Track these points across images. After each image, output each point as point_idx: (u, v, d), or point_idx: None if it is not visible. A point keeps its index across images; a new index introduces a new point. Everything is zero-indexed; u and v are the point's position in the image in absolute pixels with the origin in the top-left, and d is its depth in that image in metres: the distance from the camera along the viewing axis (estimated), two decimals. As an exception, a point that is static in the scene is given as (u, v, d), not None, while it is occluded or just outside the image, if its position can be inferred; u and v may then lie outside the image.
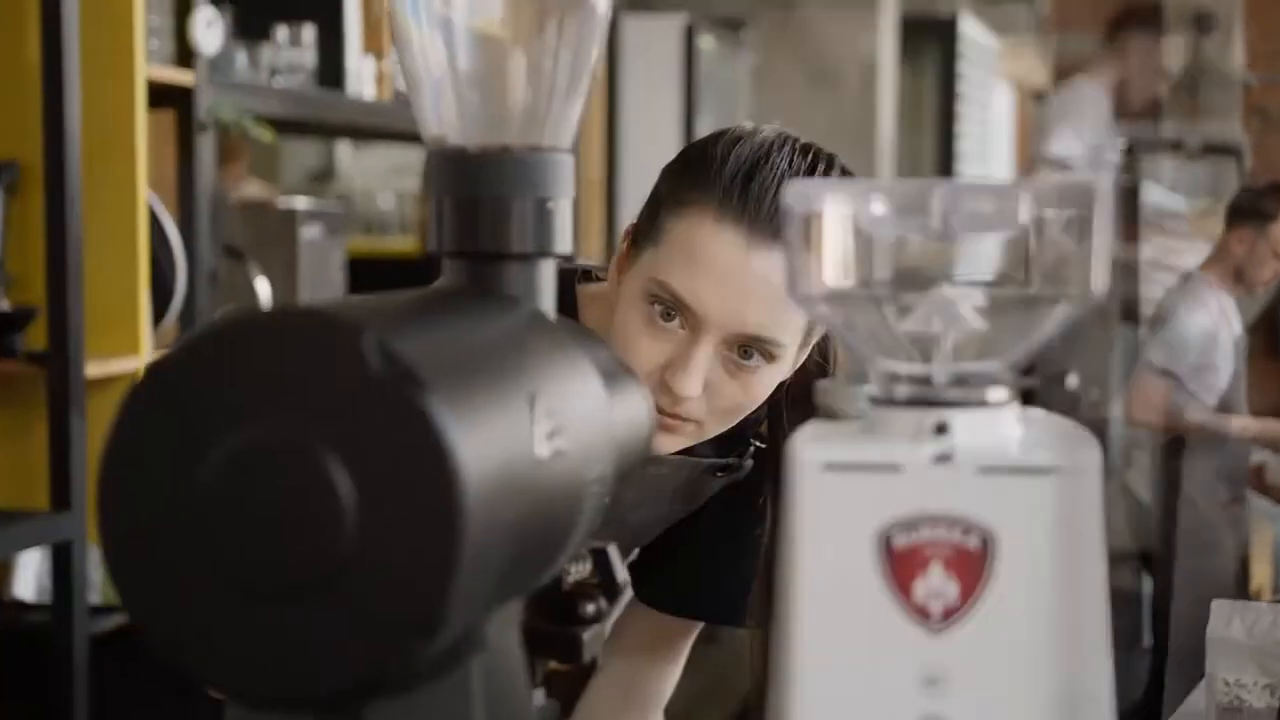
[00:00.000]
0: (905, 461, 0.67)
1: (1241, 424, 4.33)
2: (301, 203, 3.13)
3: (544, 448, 0.68)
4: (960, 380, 0.71)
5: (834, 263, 0.71)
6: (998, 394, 0.70)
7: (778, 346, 1.25)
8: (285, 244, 3.02)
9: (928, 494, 0.67)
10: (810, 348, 1.34)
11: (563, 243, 0.82)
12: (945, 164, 7.48)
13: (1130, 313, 4.83)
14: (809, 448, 0.68)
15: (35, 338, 2.36)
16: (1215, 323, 4.24)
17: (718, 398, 1.27)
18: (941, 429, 0.68)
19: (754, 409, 1.30)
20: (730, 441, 1.41)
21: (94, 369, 2.39)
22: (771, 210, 1.21)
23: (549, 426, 0.69)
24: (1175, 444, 4.29)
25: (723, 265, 1.22)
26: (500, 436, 0.64)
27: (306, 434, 0.60)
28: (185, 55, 2.61)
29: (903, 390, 0.70)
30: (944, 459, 0.67)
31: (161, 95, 2.58)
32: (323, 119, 3.15)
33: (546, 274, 0.82)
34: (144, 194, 2.47)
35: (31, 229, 2.38)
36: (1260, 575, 4.67)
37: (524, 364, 0.70)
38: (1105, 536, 0.68)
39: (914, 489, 0.67)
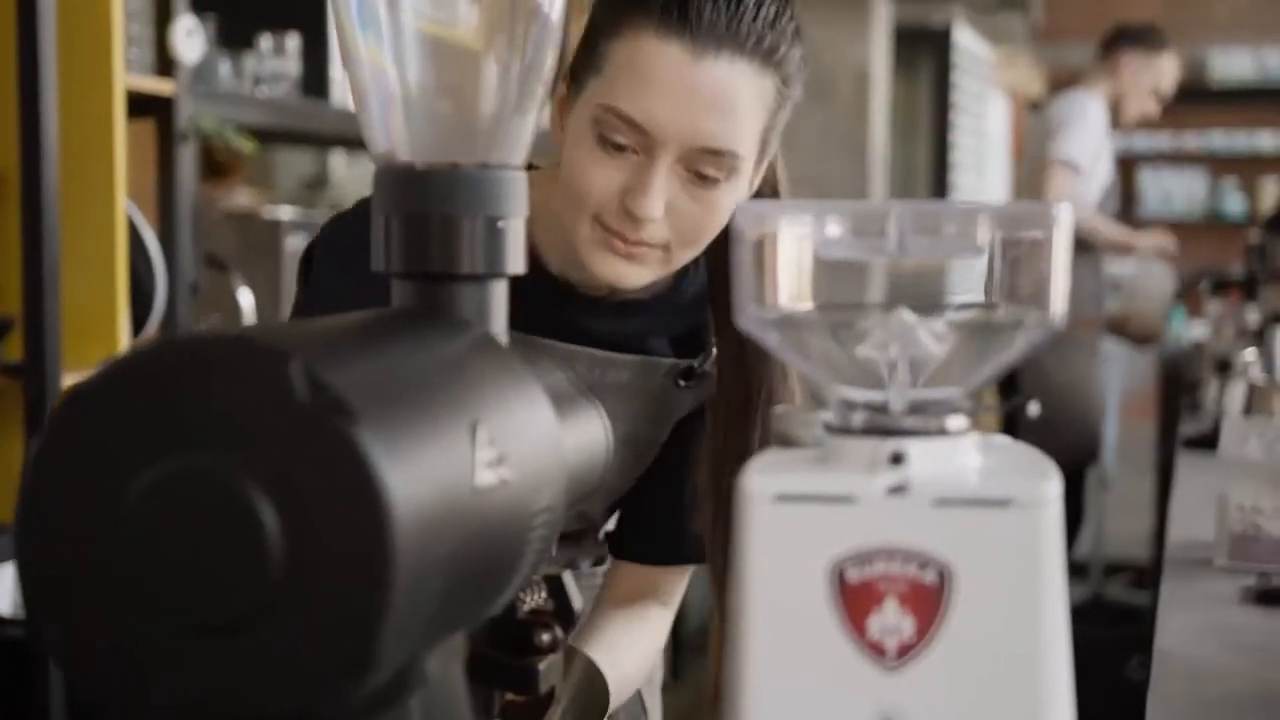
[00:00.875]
0: (859, 493, 0.65)
1: (1114, 230, 4.57)
2: (287, 212, 3.11)
3: (486, 477, 0.66)
4: (918, 407, 0.68)
5: (787, 285, 0.69)
6: (956, 422, 0.68)
7: (734, 159, 1.23)
8: (270, 254, 3.00)
9: (882, 526, 0.65)
10: (766, 166, 1.32)
11: (515, 262, 0.80)
12: (940, 173, 7.46)
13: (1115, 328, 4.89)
14: (759, 478, 0.66)
15: (11, 349, 2.33)
16: (1103, 131, 4.41)
17: (680, 219, 1.25)
18: (897, 459, 0.66)
19: (720, 227, 1.28)
20: (689, 345, 1.41)
21: (71, 381, 2.36)
22: (713, 18, 1.20)
23: (492, 455, 0.67)
24: None
25: (669, 79, 1.20)
26: (436, 467, 0.62)
27: (231, 464, 0.58)
28: (166, 65, 2.59)
29: (858, 418, 0.68)
30: (899, 490, 0.65)
31: (142, 105, 2.56)
32: (306, 128, 3.12)
33: (498, 294, 0.80)
34: (123, 204, 2.44)
35: (8, 239, 2.35)
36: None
37: (467, 390, 0.68)
38: (1065, 569, 0.66)
39: (868, 521, 0.65)
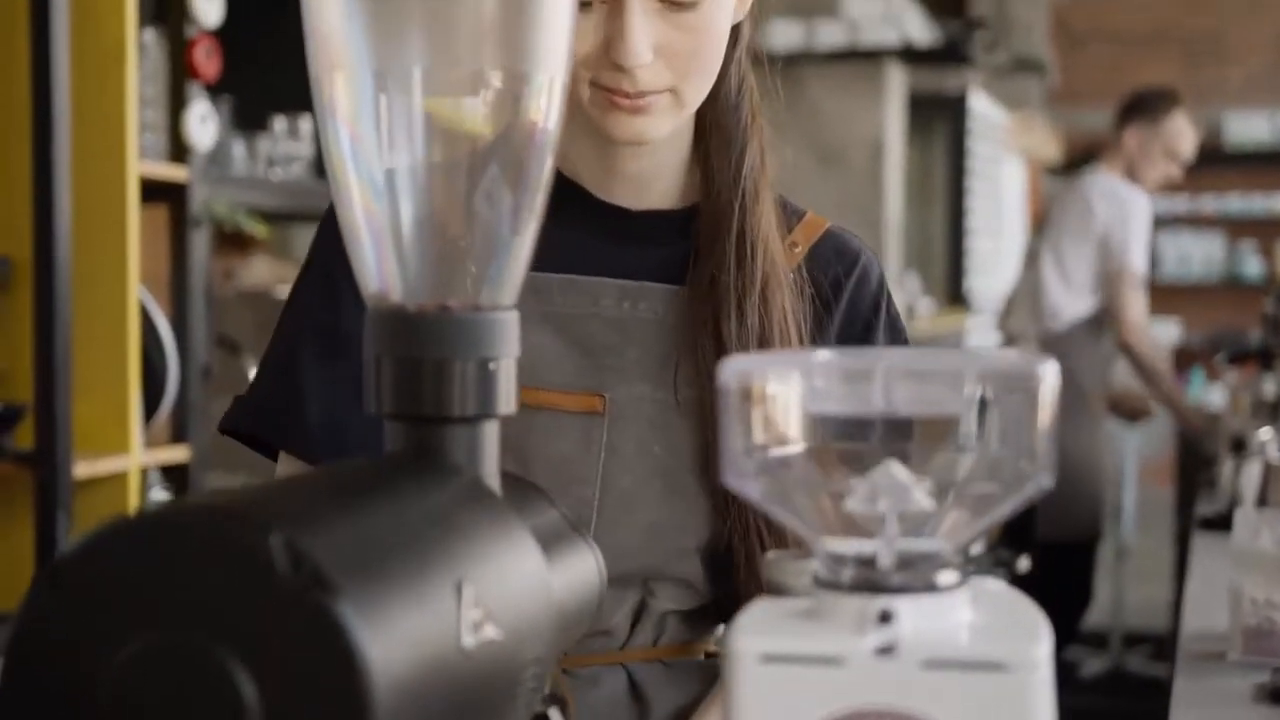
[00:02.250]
0: (847, 654, 0.64)
1: (1169, 383, 4.60)
2: (300, 292, 3.11)
3: (472, 637, 0.65)
4: (907, 562, 0.68)
5: (773, 438, 0.69)
6: (946, 577, 0.67)
7: None
8: (283, 334, 2.99)
9: (870, 689, 0.64)
10: None
11: (506, 403, 0.80)
12: (955, 239, 7.46)
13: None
14: (747, 638, 0.65)
15: (23, 436, 2.34)
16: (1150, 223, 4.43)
17: (674, 55, 1.16)
18: (885, 617, 0.65)
19: (720, 50, 1.19)
20: None
21: (83, 469, 2.36)
22: None
23: (478, 614, 0.66)
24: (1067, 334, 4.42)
25: None
26: (420, 633, 0.61)
27: (211, 639, 0.58)
28: (180, 150, 2.60)
29: (847, 573, 0.68)
30: (887, 651, 0.64)
31: (156, 190, 2.58)
32: (320, 209, 3.14)
33: (490, 436, 0.79)
34: (135, 290, 2.45)
35: (21, 325, 2.36)
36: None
37: (452, 547, 0.68)
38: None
39: (856, 683, 0.64)
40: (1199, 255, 9.95)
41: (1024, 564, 3.93)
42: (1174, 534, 5.52)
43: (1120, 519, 5.86)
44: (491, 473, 0.79)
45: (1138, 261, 4.32)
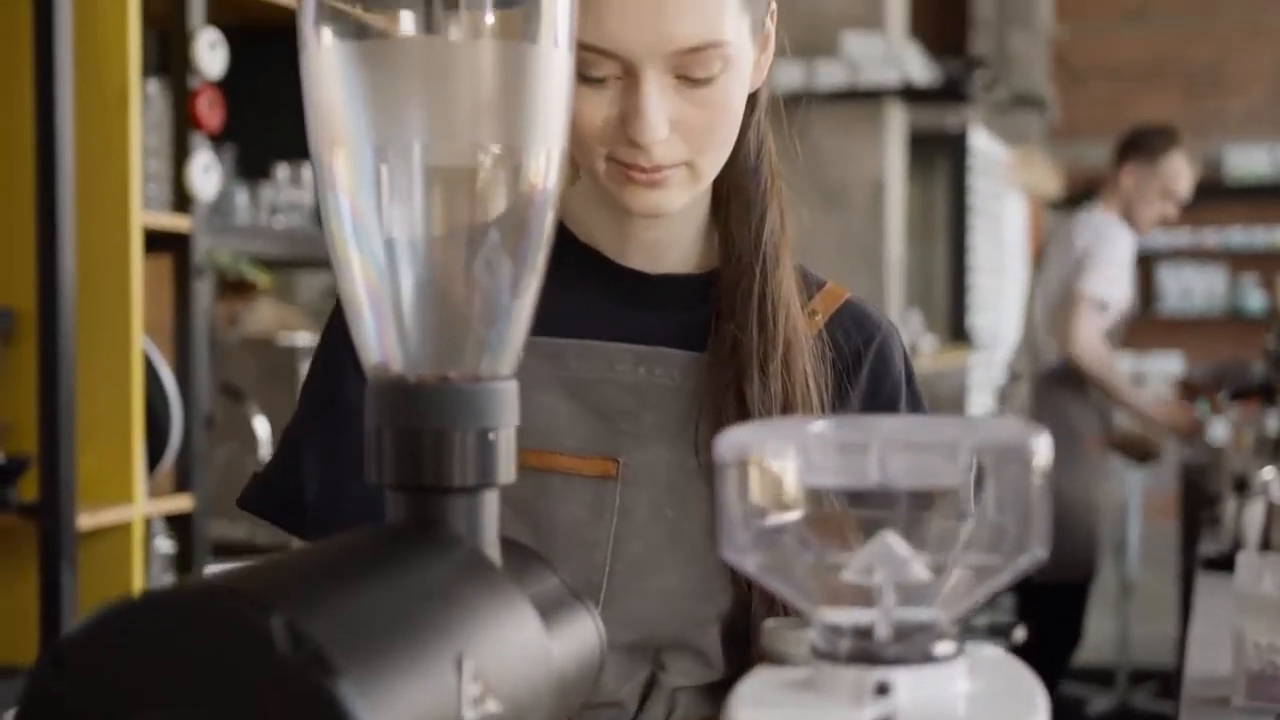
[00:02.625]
0: (844, 727, 0.65)
1: (1133, 395, 4.53)
2: (304, 339, 3.13)
3: (473, 712, 0.66)
4: (904, 632, 0.68)
5: (770, 510, 0.69)
6: (944, 648, 0.68)
7: (720, 48, 1.13)
8: (287, 380, 3.01)
9: (869, 761, 0.65)
10: (771, 32, 1.23)
11: (506, 473, 0.80)
12: (957, 275, 7.48)
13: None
14: (746, 709, 0.66)
15: (27, 488, 2.35)
16: (1129, 259, 4.40)
17: (690, 129, 1.15)
18: (883, 689, 0.66)
19: (737, 124, 1.18)
20: None
21: (86, 520, 2.37)
22: None
23: (479, 689, 0.67)
24: (1061, 374, 4.41)
25: None
26: (422, 712, 0.62)
27: (214, 718, 0.58)
28: (183, 200, 2.62)
29: (844, 645, 0.68)
30: (885, 724, 0.65)
31: (159, 240, 2.59)
32: (322, 257, 3.16)
33: (490, 505, 0.80)
34: (139, 341, 2.46)
35: (25, 377, 2.37)
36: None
37: (452, 622, 0.68)
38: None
39: (854, 756, 0.65)
40: (1201, 288, 9.97)
41: (1020, 634, 3.93)
42: (1179, 570, 5.52)
43: (1125, 555, 5.85)
44: (491, 542, 0.79)
45: (1093, 285, 4.31)
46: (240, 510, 1.29)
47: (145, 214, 2.51)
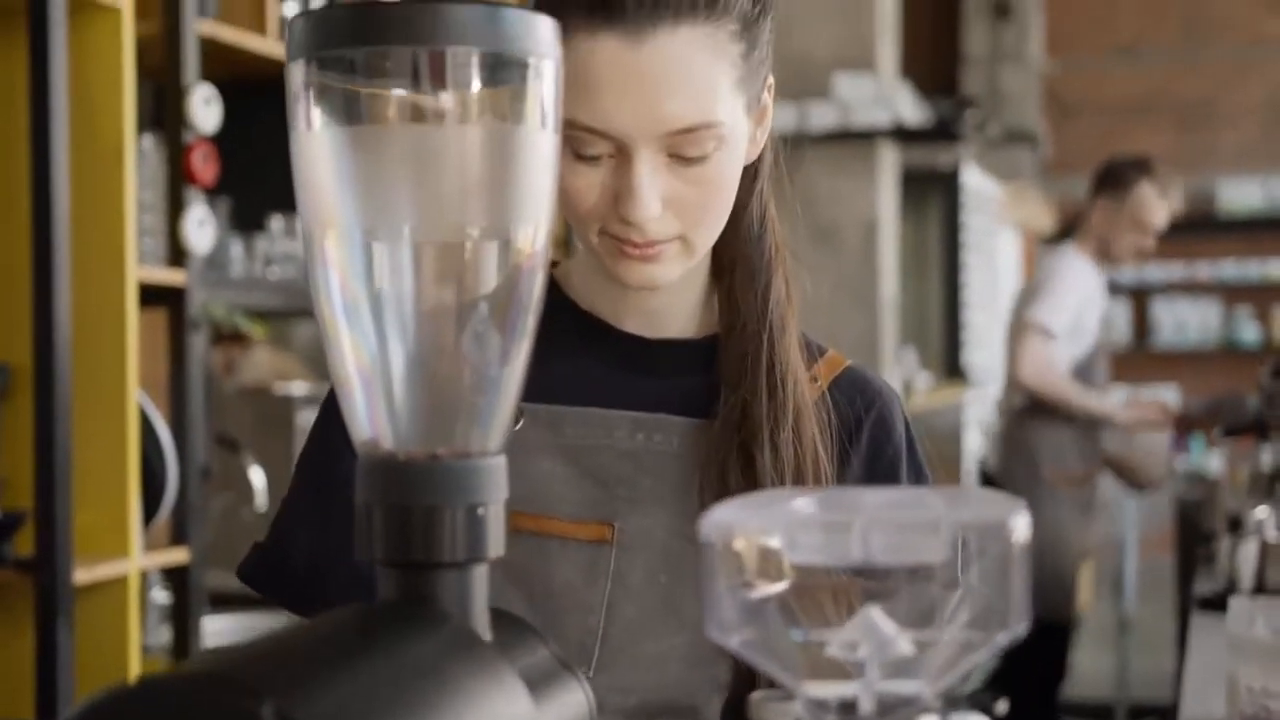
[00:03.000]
0: (830, 803, 0.66)
1: (1088, 399, 4.37)
2: (300, 388, 3.14)
3: (462, 791, 0.67)
4: (887, 706, 0.69)
5: (754, 588, 0.70)
6: (927, 722, 0.69)
7: (713, 128, 1.13)
8: (283, 430, 3.02)
9: (853, 838, 0.65)
10: (766, 108, 1.22)
11: (495, 547, 0.81)
12: (951, 312, 7.50)
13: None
14: (732, 787, 0.67)
15: (23, 543, 2.35)
16: (1090, 290, 4.36)
17: (684, 206, 1.15)
18: (868, 764, 0.67)
19: (731, 198, 1.18)
20: None
21: (82, 574, 2.37)
22: None
23: (467, 767, 0.68)
24: (1028, 411, 4.38)
25: (612, 74, 1.11)
26: (411, 793, 0.63)
27: (206, 807, 0.59)
28: (178, 254, 2.63)
29: (829, 719, 0.69)
30: (869, 801, 0.66)
31: (154, 295, 2.60)
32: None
33: (479, 580, 0.81)
34: (134, 395, 2.47)
35: (21, 432, 2.38)
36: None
37: (442, 700, 0.69)
38: None
39: (839, 833, 0.66)
40: (1195, 322, 10.00)
41: (1002, 706, 3.92)
42: (1175, 605, 5.52)
43: (1122, 590, 5.85)
44: (481, 616, 0.80)
45: (1037, 312, 4.29)
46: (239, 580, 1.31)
47: (140, 269, 2.52)
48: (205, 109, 2.62)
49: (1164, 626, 5.90)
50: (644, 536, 1.21)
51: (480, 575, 0.81)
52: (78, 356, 2.40)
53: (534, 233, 0.82)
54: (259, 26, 2.90)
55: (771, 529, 0.70)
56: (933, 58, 9.49)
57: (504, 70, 0.79)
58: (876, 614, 0.70)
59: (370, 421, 0.81)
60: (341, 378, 0.82)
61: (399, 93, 0.89)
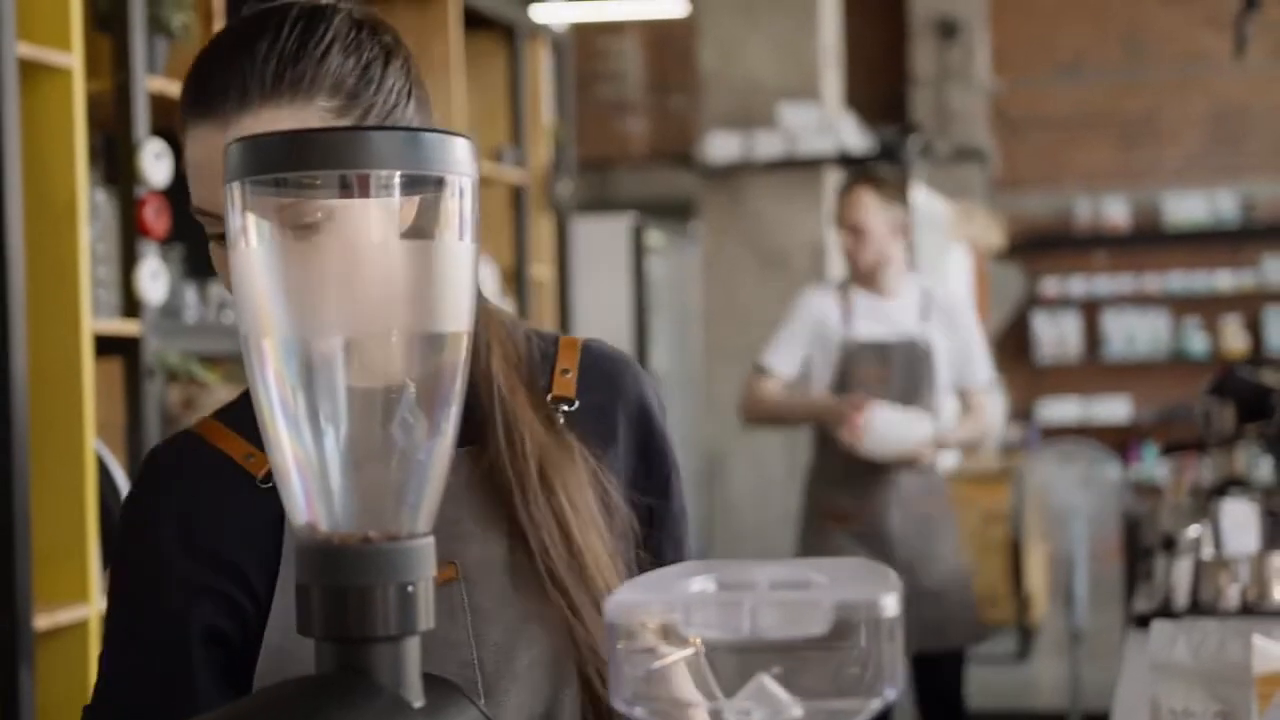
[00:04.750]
0: None
1: (790, 398, 4.15)
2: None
3: None
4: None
5: (655, 663, 0.78)
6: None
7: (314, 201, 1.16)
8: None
9: None
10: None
11: (426, 619, 0.88)
12: (903, 330, 7.58)
13: None
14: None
15: (-18, 592, 2.40)
16: (815, 324, 4.13)
17: None
18: (759, 821, 0.74)
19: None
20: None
21: (42, 620, 2.43)
22: (224, 84, 1.17)
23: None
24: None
25: (211, 157, 1.16)
26: None
27: None
28: (132, 305, 2.69)
29: (725, 782, 0.77)
30: None
31: (109, 345, 2.66)
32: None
33: (411, 651, 0.88)
34: (91, 443, 2.53)
35: (-19, 482, 2.43)
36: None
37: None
38: None
39: None
40: (1145, 333, 10.15)
41: None
42: (1123, 615, 5.62)
43: (1072, 603, 5.95)
44: (414, 685, 0.87)
45: (763, 352, 4.18)
46: None
47: (95, 320, 2.58)
48: (156, 163, 2.68)
49: (1116, 636, 6.00)
50: (486, 566, 1.26)
51: (412, 646, 0.88)
52: (35, 407, 2.46)
53: (456, 329, 0.90)
54: (208, 79, 2.96)
55: (670, 610, 0.77)
56: (881, 78, 9.62)
57: (424, 188, 0.87)
58: (768, 681, 0.78)
59: (307, 507, 0.89)
60: (280, 466, 0.89)
61: (328, 212, 0.97)
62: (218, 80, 1.18)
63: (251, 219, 0.86)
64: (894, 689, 0.76)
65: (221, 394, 3.69)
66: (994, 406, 4.16)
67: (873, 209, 4.07)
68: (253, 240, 0.86)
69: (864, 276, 4.14)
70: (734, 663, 0.79)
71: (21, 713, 2.36)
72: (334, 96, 1.20)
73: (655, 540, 1.34)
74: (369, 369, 0.88)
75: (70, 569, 2.50)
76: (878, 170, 4.37)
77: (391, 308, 0.87)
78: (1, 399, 2.39)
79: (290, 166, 0.85)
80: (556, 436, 1.28)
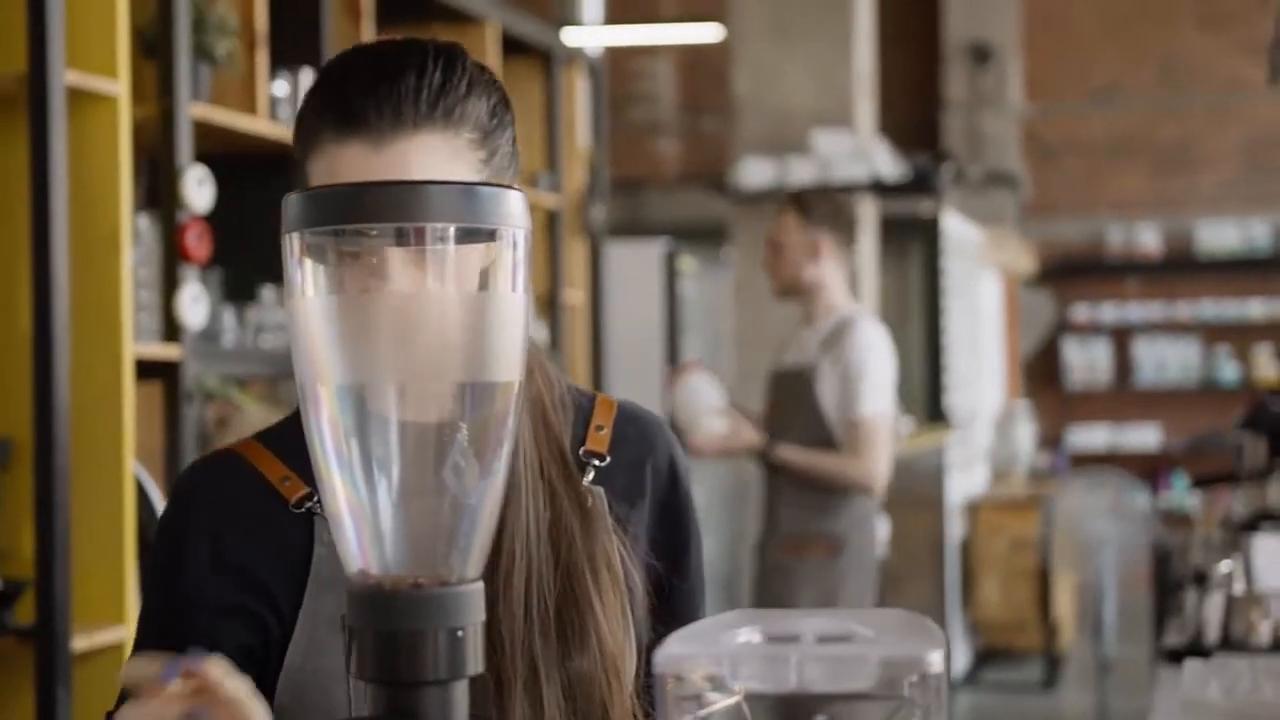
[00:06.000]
0: None
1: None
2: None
3: None
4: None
5: (703, 711, 0.79)
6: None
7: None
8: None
9: None
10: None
11: (474, 664, 0.90)
12: (934, 356, 7.59)
13: None
14: None
15: (23, 612, 2.43)
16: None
17: None
18: None
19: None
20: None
21: (80, 642, 2.45)
22: (380, 107, 1.19)
23: None
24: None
25: (359, 176, 1.19)
26: None
27: None
28: (172, 329, 2.72)
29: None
30: None
31: (149, 369, 2.69)
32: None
33: (460, 694, 0.90)
34: (130, 467, 2.56)
35: (21, 503, 2.46)
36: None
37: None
38: None
39: None
40: (1176, 361, 10.10)
41: None
42: (1151, 646, 5.60)
43: (1101, 632, 5.93)
44: (462, 727, 0.89)
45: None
46: None
47: (136, 344, 2.61)
48: (198, 189, 2.71)
49: (1144, 667, 5.98)
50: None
51: (461, 691, 0.90)
52: (76, 430, 2.49)
53: (507, 377, 0.91)
54: (249, 106, 3.00)
55: (718, 663, 0.78)
56: (913, 103, 9.62)
57: (477, 241, 0.89)
58: (816, 728, 0.79)
59: (360, 553, 0.90)
60: (333, 514, 0.91)
61: (384, 263, 0.98)
62: (368, 100, 1.20)
63: (308, 270, 0.88)
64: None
65: (255, 415, 3.72)
66: (877, 448, 3.96)
67: (791, 228, 4.05)
68: (309, 290, 0.88)
69: (782, 294, 4.15)
70: (778, 713, 0.80)
71: (59, 733, 2.39)
72: (475, 132, 1.24)
73: (668, 606, 1.33)
74: (421, 414, 0.90)
75: (108, 590, 2.53)
76: (812, 195, 4.32)
77: (445, 357, 0.89)
78: (44, 422, 2.42)
79: (349, 219, 0.87)
80: (575, 490, 1.29)
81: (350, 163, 1.20)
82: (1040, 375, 10.15)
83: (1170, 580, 4.59)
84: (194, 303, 2.71)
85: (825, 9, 5.62)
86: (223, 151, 2.96)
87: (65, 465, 2.43)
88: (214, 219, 2.81)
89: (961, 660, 6.81)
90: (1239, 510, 4.12)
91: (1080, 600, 7.44)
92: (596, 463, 1.31)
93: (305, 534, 1.24)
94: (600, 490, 1.30)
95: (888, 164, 5.63)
